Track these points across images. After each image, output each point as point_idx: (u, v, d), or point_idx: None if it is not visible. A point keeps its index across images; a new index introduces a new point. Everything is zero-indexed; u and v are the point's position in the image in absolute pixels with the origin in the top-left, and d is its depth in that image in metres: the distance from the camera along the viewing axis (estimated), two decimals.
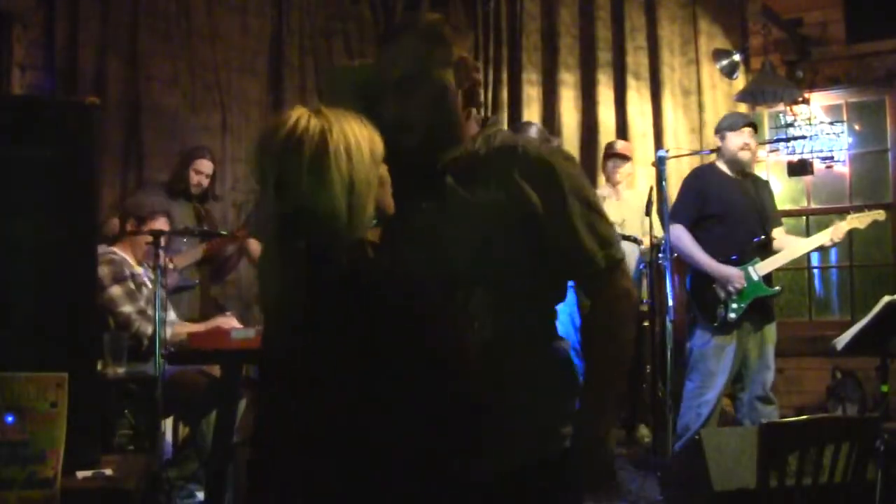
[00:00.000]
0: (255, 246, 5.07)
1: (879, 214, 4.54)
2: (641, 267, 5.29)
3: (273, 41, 6.01)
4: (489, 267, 1.67)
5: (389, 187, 1.64)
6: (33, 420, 1.85)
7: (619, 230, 4.81)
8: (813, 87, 5.75)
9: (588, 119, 6.19)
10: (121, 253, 4.10)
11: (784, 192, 5.99)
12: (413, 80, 1.72)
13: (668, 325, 4.13)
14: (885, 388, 3.64)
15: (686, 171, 4.98)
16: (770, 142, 5.37)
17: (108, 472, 2.03)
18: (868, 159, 5.94)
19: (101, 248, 3.85)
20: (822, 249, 4.67)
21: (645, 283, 5.34)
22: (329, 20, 6.27)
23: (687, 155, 5.23)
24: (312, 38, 6.17)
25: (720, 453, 3.04)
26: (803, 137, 5.65)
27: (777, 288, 4.50)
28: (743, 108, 5.76)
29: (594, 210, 1.72)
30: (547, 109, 6.24)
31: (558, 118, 6.13)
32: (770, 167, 5.89)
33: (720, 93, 5.97)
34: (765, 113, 5.95)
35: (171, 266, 4.32)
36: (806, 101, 5.69)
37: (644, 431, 5.38)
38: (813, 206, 6.03)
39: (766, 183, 4.81)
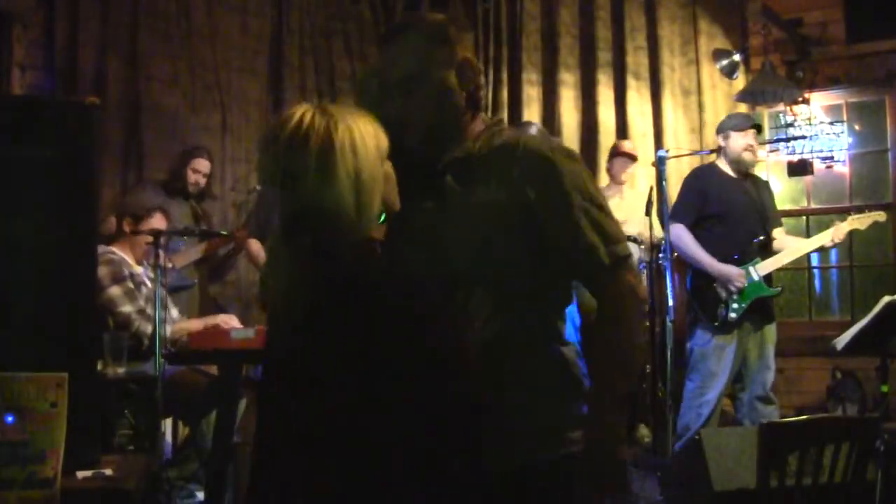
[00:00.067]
0: (255, 246, 5.07)
1: (880, 216, 4.55)
2: (641, 267, 5.29)
3: (273, 41, 6.00)
4: (489, 267, 1.66)
5: (395, 183, 1.63)
6: (33, 420, 1.85)
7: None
8: (813, 87, 5.75)
9: (588, 119, 6.19)
10: (119, 253, 4.10)
11: (784, 192, 5.99)
12: (415, 79, 1.72)
13: (668, 325, 4.13)
14: (885, 388, 3.65)
15: (686, 171, 4.98)
16: (770, 142, 5.37)
17: (108, 472, 2.03)
18: (868, 159, 5.93)
19: (100, 248, 3.85)
20: (822, 250, 4.68)
21: (645, 282, 5.34)
22: (329, 20, 6.27)
23: (687, 155, 5.23)
24: (312, 38, 6.17)
25: (720, 453, 3.04)
26: (803, 137, 5.65)
27: (777, 288, 4.50)
28: (743, 108, 5.76)
29: (598, 206, 1.69)
30: (547, 109, 6.24)
31: (558, 118, 6.13)
32: (770, 167, 5.89)
33: (720, 93, 5.97)
34: (765, 113, 5.94)
35: (169, 265, 4.33)
36: (806, 101, 5.69)
37: (644, 431, 5.38)
38: (813, 206, 6.03)
39: (767, 183, 4.82)
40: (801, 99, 5.67)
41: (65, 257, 2.11)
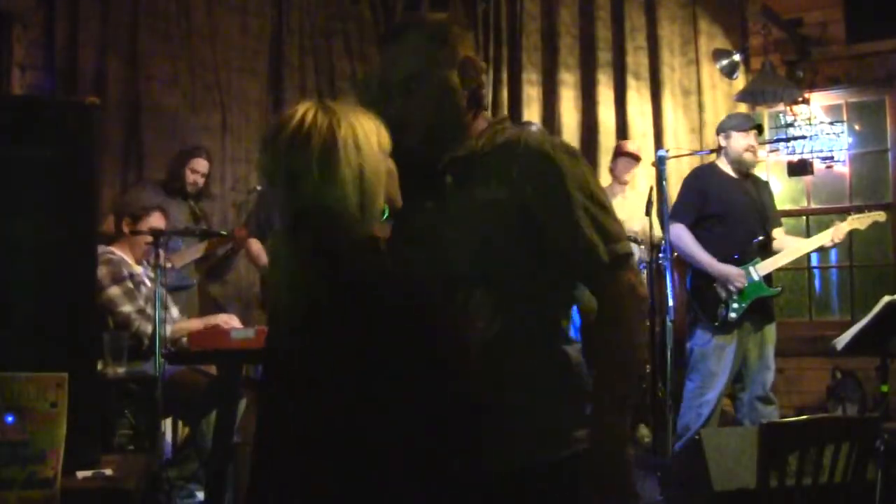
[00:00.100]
0: (255, 246, 5.07)
1: (880, 215, 4.55)
2: (641, 267, 5.29)
3: (273, 41, 6.00)
4: (488, 267, 1.65)
5: (397, 180, 1.62)
6: (33, 420, 1.85)
7: None
8: (813, 87, 5.75)
9: (588, 119, 6.19)
10: (119, 253, 4.10)
11: (784, 192, 5.99)
12: (414, 80, 1.71)
13: (668, 324, 4.12)
14: (885, 388, 3.65)
15: (686, 171, 4.98)
16: (770, 142, 5.37)
17: (108, 472, 2.03)
18: (868, 159, 5.93)
19: (99, 249, 3.85)
20: (822, 250, 4.68)
21: (645, 282, 5.34)
22: (329, 20, 6.27)
23: (687, 155, 5.23)
24: (312, 38, 6.17)
25: (720, 453, 3.03)
26: (803, 137, 5.65)
27: (777, 288, 4.50)
28: (743, 108, 5.76)
29: (598, 204, 1.67)
30: (547, 109, 6.24)
31: (558, 118, 6.13)
32: (770, 167, 5.89)
33: (720, 93, 5.97)
34: (765, 113, 5.95)
35: (168, 265, 4.33)
36: (806, 101, 5.69)
37: (644, 431, 5.38)
38: (813, 206, 6.03)
39: (767, 184, 4.83)
40: (801, 99, 5.67)
41: (65, 257, 2.11)
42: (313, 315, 1.49)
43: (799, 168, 5.70)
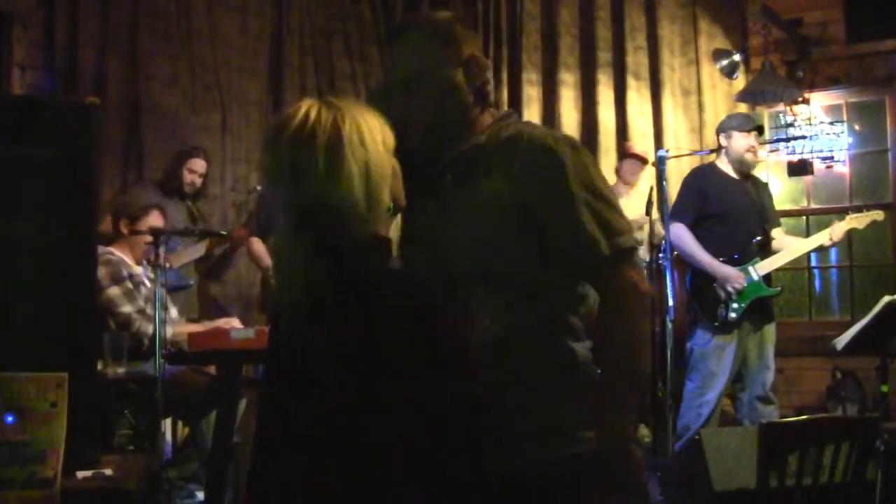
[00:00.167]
0: (257, 246, 5.07)
1: (878, 214, 4.56)
2: (642, 266, 5.30)
3: (273, 41, 6.01)
4: (489, 266, 1.65)
5: (401, 178, 1.62)
6: (33, 420, 1.85)
7: None
8: (813, 87, 5.75)
9: (588, 119, 6.19)
10: (118, 253, 4.10)
11: (784, 192, 5.99)
12: (414, 79, 1.71)
13: (668, 325, 4.12)
14: (885, 388, 3.65)
15: (686, 171, 4.98)
16: (770, 142, 5.37)
17: (108, 472, 2.03)
18: (868, 159, 5.93)
19: (99, 249, 3.85)
20: (821, 249, 4.69)
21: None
22: (329, 20, 6.27)
23: (687, 155, 5.23)
24: (312, 38, 6.17)
25: (720, 453, 3.04)
26: (803, 137, 5.65)
27: (777, 288, 4.51)
28: (743, 108, 5.76)
29: (601, 198, 1.66)
30: (547, 109, 6.24)
31: (558, 118, 6.13)
32: (770, 167, 5.89)
33: (720, 93, 5.97)
34: (765, 113, 5.95)
35: (166, 265, 4.33)
36: (806, 101, 5.69)
37: (644, 431, 5.38)
38: (813, 206, 6.03)
39: (766, 185, 4.84)
40: (801, 99, 5.67)
41: (65, 257, 2.12)
42: (316, 314, 1.49)
43: (799, 168, 5.70)
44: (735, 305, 4.31)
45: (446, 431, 1.46)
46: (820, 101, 5.83)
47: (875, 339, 3.62)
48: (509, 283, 1.65)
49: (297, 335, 1.52)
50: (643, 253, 5.13)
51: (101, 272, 3.85)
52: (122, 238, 4.15)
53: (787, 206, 5.90)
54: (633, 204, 5.44)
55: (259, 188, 5.13)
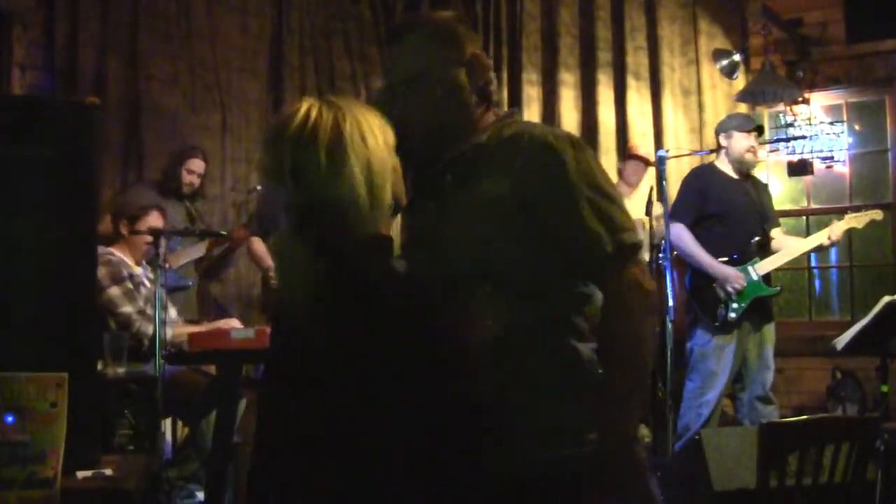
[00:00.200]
0: (258, 246, 5.07)
1: (877, 214, 4.56)
2: None
3: (273, 41, 6.01)
4: (490, 266, 1.64)
5: (401, 177, 1.62)
6: (33, 420, 1.85)
7: None
8: (813, 87, 5.75)
9: (588, 119, 6.19)
10: (118, 254, 4.10)
11: (784, 192, 5.99)
12: (414, 80, 1.71)
13: (668, 325, 4.12)
14: (885, 388, 3.65)
15: (686, 171, 4.98)
16: (770, 142, 5.37)
17: (108, 472, 2.03)
18: (868, 159, 5.93)
19: (99, 250, 3.85)
20: (820, 249, 4.69)
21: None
22: (329, 20, 6.27)
23: (687, 155, 5.23)
24: (312, 38, 6.17)
25: (720, 453, 3.04)
26: (803, 137, 5.65)
27: (777, 288, 4.51)
28: (743, 108, 5.76)
29: (604, 195, 1.64)
30: (547, 109, 6.24)
31: (558, 118, 6.13)
32: (770, 167, 5.88)
33: (720, 93, 5.96)
34: (765, 113, 5.94)
35: (165, 265, 4.33)
36: (806, 101, 5.68)
37: (644, 431, 5.38)
38: (813, 206, 6.03)
39: (766, 186, 4.84)
40: (801, 99, 5.66)
41: (65, 257, 2.12)
42: (317, 314, 1.49)
43: (799, 168, 5.69)
44: (735, 305, 4.31)
45: (446, 431, 1.46)
46: (820, 101, 5.83)
47: (875, 339, 3.63)
48: (510, 283, 1.64)
49: (298, 335, 1.52)
50: (643, 253, 5.14)
51: (102, 272, 3.86)
52: (121, 238, 4.15)
53: (787, 206, 5.90)
54: (635, 205, 5.43)
55: (259, 188, 5.13)
